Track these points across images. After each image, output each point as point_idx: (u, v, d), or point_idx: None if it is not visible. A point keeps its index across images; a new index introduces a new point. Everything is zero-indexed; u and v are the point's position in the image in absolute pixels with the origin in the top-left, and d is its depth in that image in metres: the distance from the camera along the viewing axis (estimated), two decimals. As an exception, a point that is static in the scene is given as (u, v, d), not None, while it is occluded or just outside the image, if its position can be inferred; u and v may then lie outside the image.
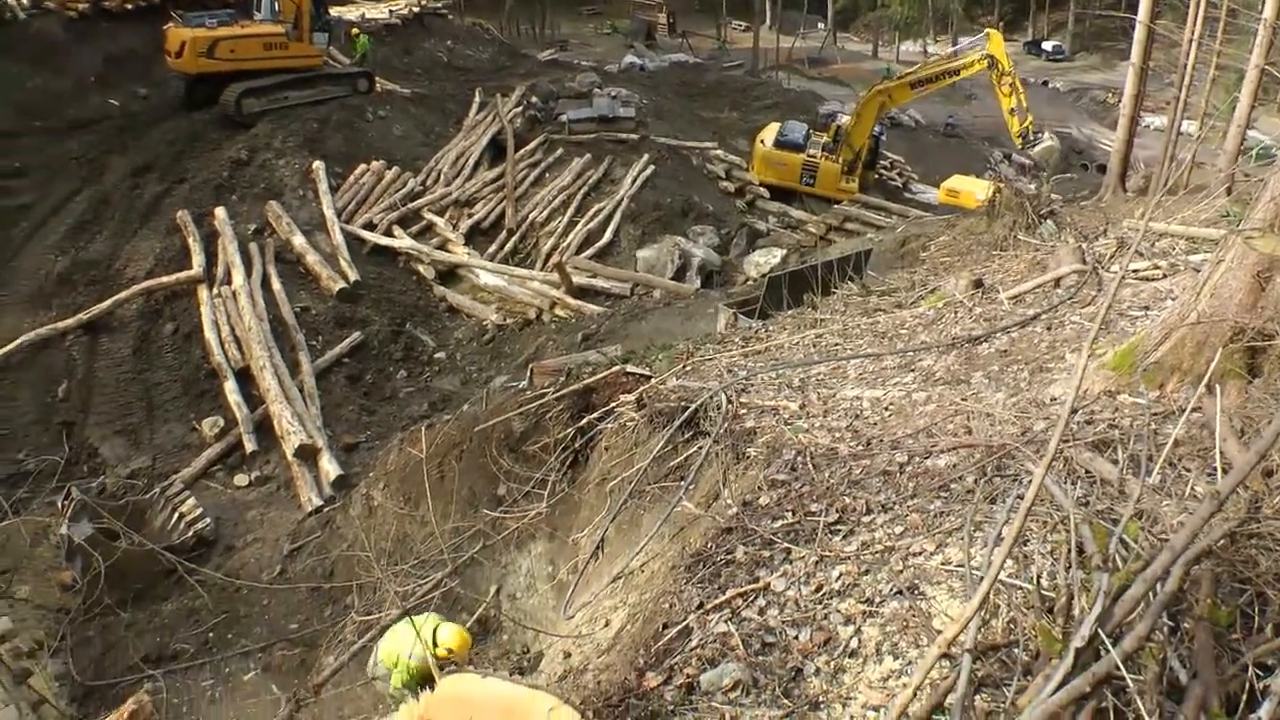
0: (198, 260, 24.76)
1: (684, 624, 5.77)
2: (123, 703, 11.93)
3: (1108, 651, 3.66)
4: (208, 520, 18.47)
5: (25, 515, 17.96)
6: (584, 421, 11.36)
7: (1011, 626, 4.60)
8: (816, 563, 5.74)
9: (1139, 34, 24.15)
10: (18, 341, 22.49)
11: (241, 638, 15.60)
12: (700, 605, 5.86)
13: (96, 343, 23.18)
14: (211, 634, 15.92)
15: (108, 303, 23.64)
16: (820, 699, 4.75)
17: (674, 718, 5.03)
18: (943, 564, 5.32)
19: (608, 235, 29.23)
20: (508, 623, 12.16)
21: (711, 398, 9.15)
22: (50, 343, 22.94)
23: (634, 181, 31.42)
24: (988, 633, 4.51)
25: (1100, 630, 3.72)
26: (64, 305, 23.94)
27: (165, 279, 24.33)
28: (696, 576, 6.23)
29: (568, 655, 8.29)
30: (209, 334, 22.80)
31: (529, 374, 15.04)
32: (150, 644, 15.73)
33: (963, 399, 7.74)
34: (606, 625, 8.08)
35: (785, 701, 4.79)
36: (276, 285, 24.53)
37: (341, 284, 24.99)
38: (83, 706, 14.11)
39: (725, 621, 5.57)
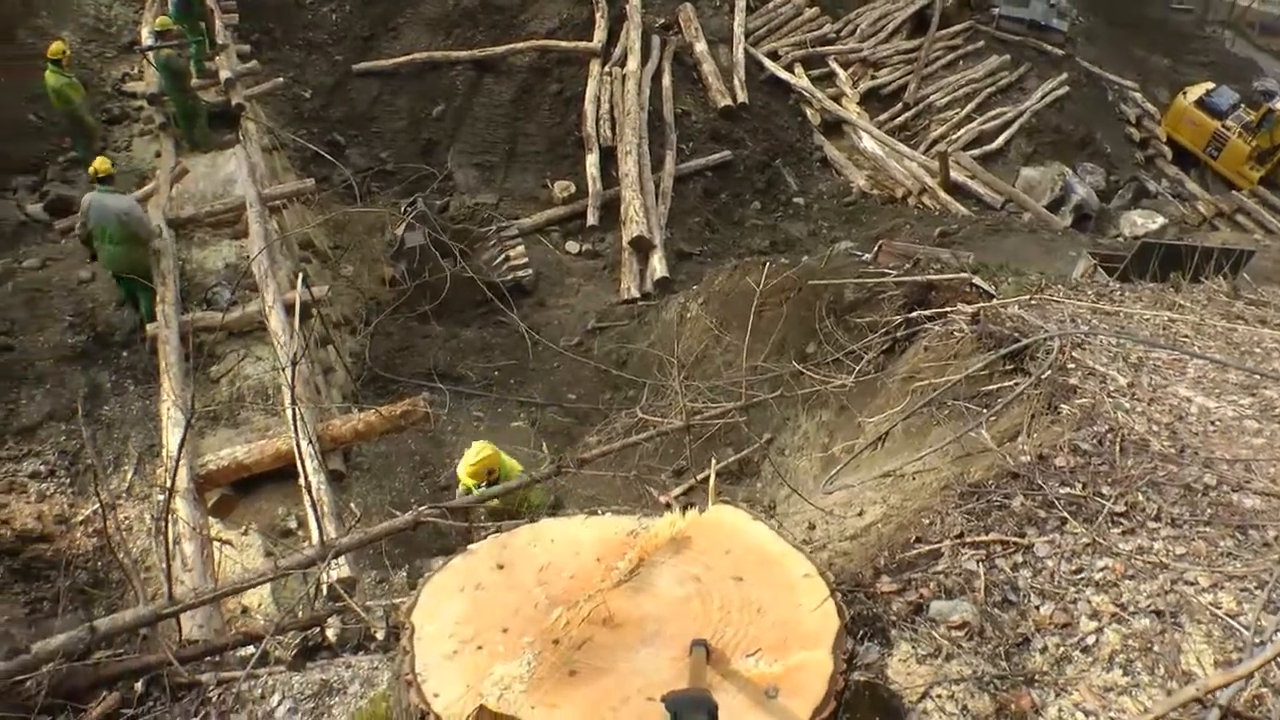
0: (599, 35, 25.19)
1: (937, 546, 5.77)
2: (401, 400, 12.83)
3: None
4: (530, 271, 19.33)
5: (370, 207, 19.17)
6: (914, 314, 11.25)
7: (1257, 702, 4.42)
8: (1087, 545, 5.60)
9: None
10: (411, 56, 24.21)
11: (523, 386, 16.37)
12: (959, 535, 5.83)
13: (481, 80, 24.27)
14: (497, 372, 16.82)
15: (504, 48, 24.61)
16: (1037, 677, 4.69)
17: (892, 628, 5.09)
18: (1211, 604, 5.08)
19: (998, 142, 28.14)
20: (766, 473, 12.37)
21: (1045, 340, 8.91)
22: (440, 67, 24.33)
23: (1043, 97, 30.00)
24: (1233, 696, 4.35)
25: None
26: (461, 38, 25.02)
27: (564, 43, 24.96)
28: (966, 506, 6.19)
29: (812, 527, 8.40)
30: (588, 106, 23.38)
31: (877, 249, 14.94)
32: (440, 360, 16.76)
33: (1295, 446, 7.28)
34: (860, 515, 8.14)
35: (1003, 663, 4.77)
36: (666, 82, 24.78)
37: (728, 101, 24.99)
38: (363, 388, 15.19)
39: (977, 561, 5.54)
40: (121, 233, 13.45)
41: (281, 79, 21.29)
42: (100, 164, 13.77)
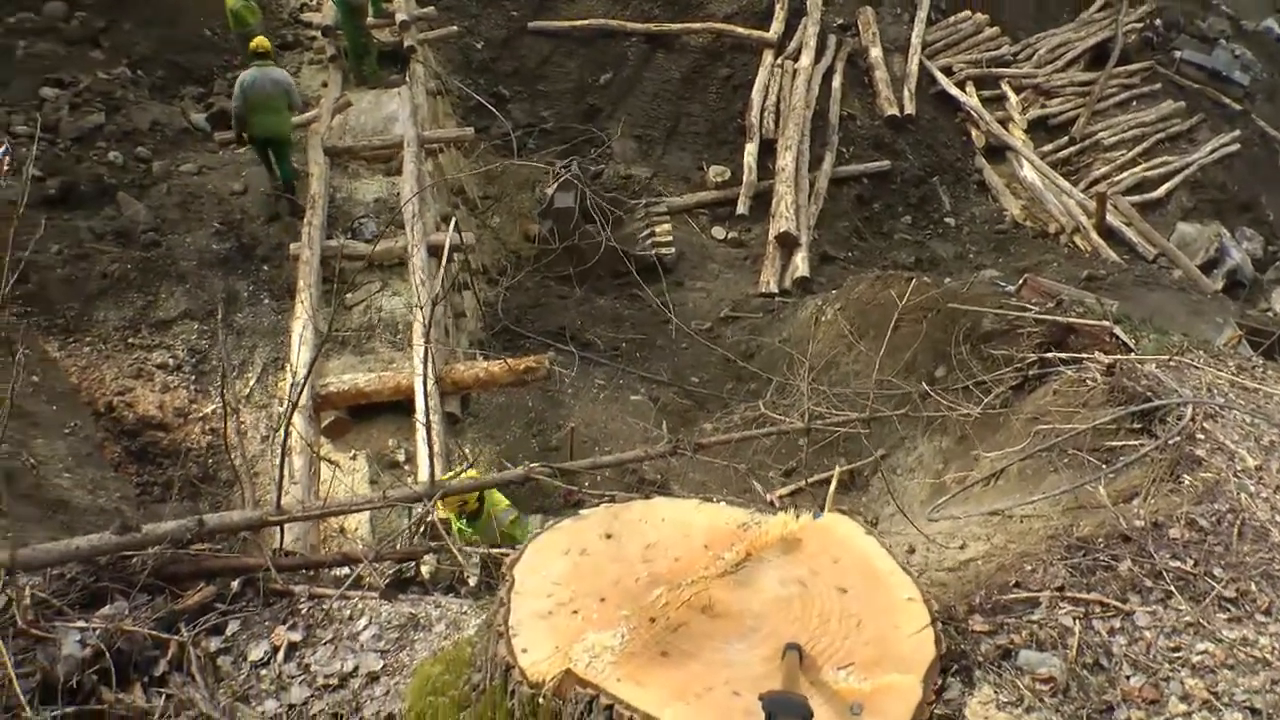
0: (776, 27, 24.98)
1: (1035, 595, 5.72)
2: (527, 355, 13.03)
3: None
4: (673, 250, 19.35)
5: (526, 162, 19.44)
6: (1050, 355, 11.07)
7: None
8: (1189, 624, 5.50)
9: None
10: (587, 21, 24.46)
11: (648, 362, 16.43)
12: (1060, 588, 5.77)
13: (653, 54, 24.32)
14: (625, 344, 16.96)
15: (679, 26, 24.67)
16: (1115, 750, 4.65)
17: (976, 669, 5.07)
18: (1313, 715, 4.98)
19: (1160, 191, 27.04)
20: (874, 489, 12.29)
21: (1178, 405, 8.72)
22: (614, 36, 24.47)
23: (1212, 151, 28.88)
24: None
25: None
26: (638, 11, 25.01)
27: (740, 29, 24.82)
28: (1071, 560, 6.11)
29: (911, 550, 8.34)
30: (755, 95, 23.20)
31: (1021, 283, 14.69)
32: (571, 322, 16.91)
33: None
34: (962, 548, 8.06)
35: (1082, 727, 4.73)
36: (836, 83, 24.53)
37: (894, 110, 24.68)
38: (492, 338, 15.53)
39: (1074, 618, 5.47)
40: (284, 100, 14.71)
41: (455, 27, 21.87)
42: (261, 41, 14.81)
